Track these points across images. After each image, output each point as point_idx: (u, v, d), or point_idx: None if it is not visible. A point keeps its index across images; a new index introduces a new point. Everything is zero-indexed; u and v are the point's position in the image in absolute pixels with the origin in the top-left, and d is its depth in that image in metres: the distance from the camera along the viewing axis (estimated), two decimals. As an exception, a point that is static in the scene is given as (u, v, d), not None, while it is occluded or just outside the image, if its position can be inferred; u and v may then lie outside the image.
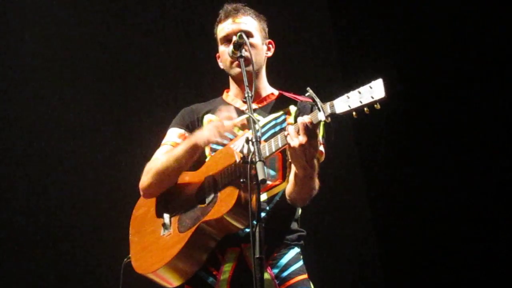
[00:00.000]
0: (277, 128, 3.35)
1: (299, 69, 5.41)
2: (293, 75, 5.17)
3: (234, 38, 3.24)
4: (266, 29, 3.58)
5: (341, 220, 5.37)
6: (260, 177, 2.72)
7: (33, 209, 4.98)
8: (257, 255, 2.68)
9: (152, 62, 5.47)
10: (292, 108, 3.41)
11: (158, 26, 5.54)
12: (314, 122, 2.89)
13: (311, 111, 3.25)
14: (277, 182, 3.29)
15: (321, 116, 2.86)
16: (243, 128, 3.37)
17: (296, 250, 3.29)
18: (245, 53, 3.23)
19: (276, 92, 3.52)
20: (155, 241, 3.28)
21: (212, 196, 3.17)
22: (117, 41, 5.44)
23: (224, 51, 3.47)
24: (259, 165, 2.76)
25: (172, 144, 3.40)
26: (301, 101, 3.38)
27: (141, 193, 3.39)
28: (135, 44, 5.47)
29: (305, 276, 3.25)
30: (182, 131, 3.44)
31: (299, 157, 2.94)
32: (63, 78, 5.26)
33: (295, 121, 3.33)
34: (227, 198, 3.07)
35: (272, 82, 3.58)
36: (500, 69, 5.05)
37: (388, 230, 5.38)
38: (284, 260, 3.23)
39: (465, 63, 5.15)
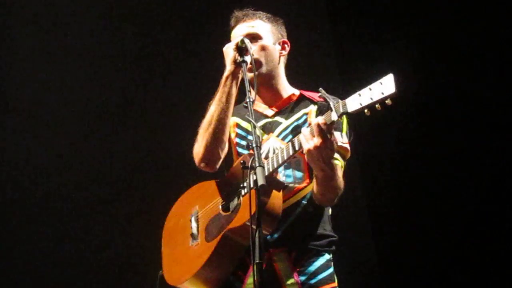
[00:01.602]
0: (300, 129, 3.32)
1: (297, 70, 5.33)
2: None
3: (237, 46, 3.23)
4: (282, 30, 3.55)
5: (339, 226, 5.27)
6: (260, 182, 2.70)
7: (66, 225, 5.08)
8: (257, 260, 2.64)
9: (171, 66, 5.49)
10: (313, 108, 3.36)
11: (183, 27, 5.57)
12: (328, 122, 2.86)
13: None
14: (304, 184, 3.25)
15: (333, 116, 2.83)
16: (268, 132, 3.36)
17: (326, 257, 3.23)
18: (248, 58, 3.20)
19: (297, 92, 3.48)
20: (185, 251, 3.30)
21: (236, 203, 3.16)
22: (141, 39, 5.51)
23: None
24: (259, 171, 2.74)
25: None
26: (321, 100, 3.33)
27: (200, 162, 3.31)
28: (163, 45, 5.53)
29: (334, 284, 3.20)
30: None
31: (315, 159, 2.91)
32: (66, 77, 5.33)
33: None
34: (249, 204, 3.05)
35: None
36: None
37: (387, 237, 5.33)
38: (313, 267, 3.18)
39: (464, 71, 5.08)
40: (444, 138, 5.13)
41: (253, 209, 2.96)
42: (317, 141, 2.87)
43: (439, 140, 5.16)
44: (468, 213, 4.99)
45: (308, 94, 3.42)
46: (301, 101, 3.42)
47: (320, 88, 2.91)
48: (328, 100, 2.87)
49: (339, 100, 2.88)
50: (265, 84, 3.38)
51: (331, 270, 3.22)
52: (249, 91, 3.04)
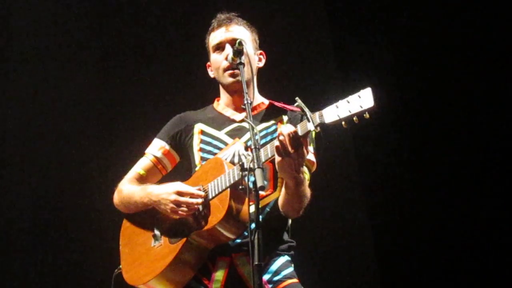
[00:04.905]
0: (268, 138, 3.35)
1: (298, 78, 5.37)
2: (292, 85, 5.15)
3: (234, 47, 3.22)
4: (258, 41, 3.60)
5: (339, 229, 5.32)
6: (259, 184, 2.72)
7: (21, 217, 4.99)
8: (256, 262, 2.67)
9: (147, 68, 5.45)
10: (283, 118, 3.41)
11: (154, 31, 5.54)
12: (303, 131, 2.88)
13: (301, 121, 3.26)
14: (268, 192, 3.27)
15: (310, 126, 2.83)
16: (234, 137, 3.38)
17: (286, 257, 3.29)
18: (244, 60, 3.22)
19: (266, 102, 3.53)
20: (146, 252, 3.29)
21: (203, 206, 3.16)
22: (112, 43, 5.46)
23: (216, 59, 3.49)
24: (258, 172, 2.76)
25: (152, 160, 3.51)
26: (292, 111, 3.37)
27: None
28: (130, 49, 5.48)
29: (296, 280, 3.24)
30: (163, 143, 3.52)
31: (287, 168, 2.93)
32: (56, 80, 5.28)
33: None
34: (217, 208, 3.07)
35: (269, 91, 3.60)
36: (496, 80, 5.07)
37: (387, 238, 5.34)
38: (275, 266, 3.23)
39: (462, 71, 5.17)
40: (443, 139, 5.20)
41: (222, 215, 3.02)
42: (289, 150, 2.88)
43: (439, 139, 5.23)
44: (468, 213, 5.05)
45: (278, 104, 3.46)
46: (271, 110, 3.47)
47: (297, 98, 2.89)
48: (305, 110, 2.86)
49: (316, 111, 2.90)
50: (240, 90, 3.33)
51: (291, 269, 3.27)
52: (247, 93, 3.06)
